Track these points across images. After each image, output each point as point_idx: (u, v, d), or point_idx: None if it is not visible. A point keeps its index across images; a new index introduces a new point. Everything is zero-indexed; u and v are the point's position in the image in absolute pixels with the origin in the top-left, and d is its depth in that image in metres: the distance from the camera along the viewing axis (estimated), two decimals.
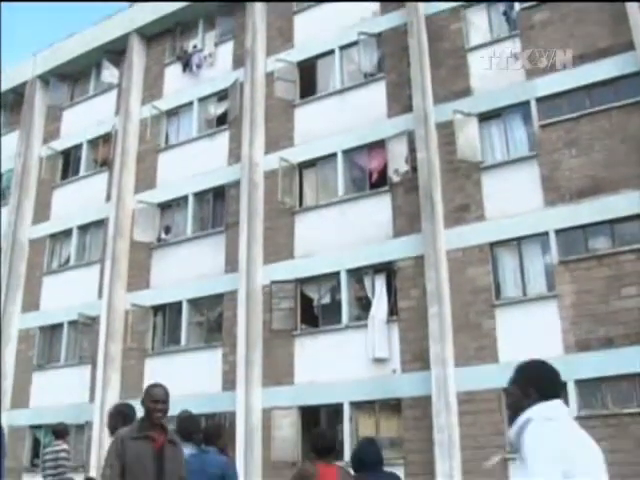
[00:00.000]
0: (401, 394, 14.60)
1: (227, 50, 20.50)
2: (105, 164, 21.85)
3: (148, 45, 22.51)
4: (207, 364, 17.28)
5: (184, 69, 21.13)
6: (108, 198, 21.02)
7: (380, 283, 15.65)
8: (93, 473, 16.24)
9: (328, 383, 15.40)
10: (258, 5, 19.77)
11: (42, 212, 22.94)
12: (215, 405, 16.46)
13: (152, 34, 22.33)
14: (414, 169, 15.64)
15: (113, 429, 5.90)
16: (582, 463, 2.66)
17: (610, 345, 12.64)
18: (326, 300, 16.63)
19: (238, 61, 19.87)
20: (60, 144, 23.44)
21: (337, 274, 16.21)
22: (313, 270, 16.50)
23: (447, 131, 15.53)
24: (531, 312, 13.62)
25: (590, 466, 2.69)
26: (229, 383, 16.70)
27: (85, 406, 18.78)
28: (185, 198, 19.54)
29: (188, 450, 5.50)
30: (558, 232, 13.76)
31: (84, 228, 21.66)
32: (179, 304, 18.51)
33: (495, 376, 13.05)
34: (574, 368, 12.56)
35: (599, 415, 12.29)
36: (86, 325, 19.77)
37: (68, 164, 23.26)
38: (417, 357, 14.58)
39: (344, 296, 16.00)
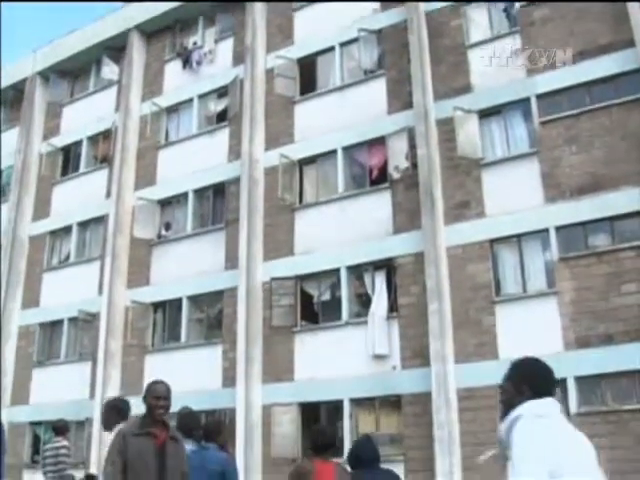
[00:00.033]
0: (401, 391, 14.62)
1: (227, 47, 20.48)
2: (105, 161, 21.84)
3: (148, 42, 22.49)
4: (207, 361, 17.29)
5: (184, 66, 21.11)
6: (108, 195, 21.02)
7: (380, 280, 15.65)
8: (93, 470, 16.24)
9: (328, 380, 15.42)
10: (258, 2, 19.75)
11: (42, 209, 22.94)
12: (215, 401, 16.47)
13: (152, 31, 22.30)
14: (414, 166, 15.64)
15: (107, 424, 5.92)
16: (571, 461, 2.64)
17: (610, 342, 12.65)
18: (326, 297, 16.64)
19: (238, 58, 19.85)
20: (60, 140, 23.43)
21: (337, 271, 16.21)
22: (313, 267, 16.50)
23: (447, 128, 15.53)
24: (531, 309, 13.63)
25: (580, 464, 2.66)
26: (229, 380, 16.72)
27: (85, 403, 18.80)
28: (185, 195, 19.54)
29: (188, 446, 5.50)
30: (558, 229, 13.76)
31: (84, 225, 21.66)
32: (179, 301, 18.52)
33: (495, 372, 12.88)
34: (574, 365, 12.59)
35: (599, 412, 12.30)
36: (86, 322, 19.78)
37: (68, 161, 23.24)
38: (417, 354, 14.59)
39: (344, 293, 16.01)
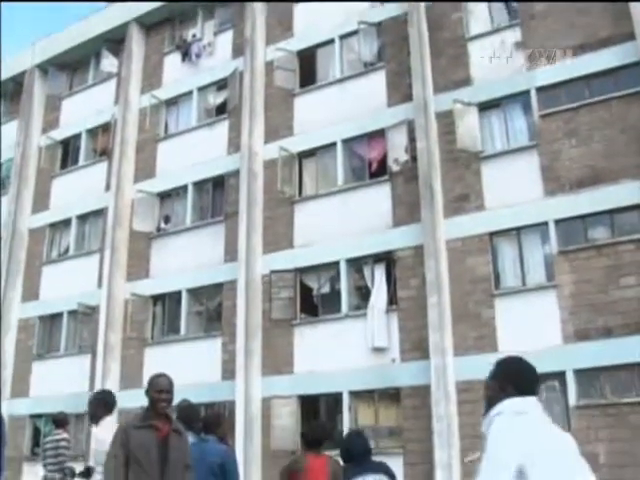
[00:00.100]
0: (400, 383, 14.64)
1: (226, 39, 20.43)
2: (104, 153, 21.82)
3: (147, 34, 22.43)
4: (207, 353, 17.31)
5: (183, 58, 21.07)
6: (107, 187, 21.00)
7: (380, 272, 15.66)
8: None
9: (327, 372, 15.44)
10: None
11: (41, 201, 22.93)
12: (215, 394, 16.49)
13: (151, 23, 22.24)
14: (414, 158, 15.63)
15: (94, 417, 5.91)
16: (545, 459, 2.67)
17: (609, 335, 12.66)
18: (325, 289, 16.66)
19: (237, 50, 19.81)
20: (59, 133, 23.40)
21: (337, 263, 16.21)
22: (312, 259, 16.51)
23: (447, 120, 15.51)
24: (530, 302, 13.64)
25: (554, 461, 2.69)
26: (228, 372, 16.74)
27: (85, 395, 18.68)
28: (184, 187, 19.52)
29: (188, 439, 5.51)
30: (558, 222, 13.77)
31: (83, 218, 21.66)
32: (178, 293, 18.53)
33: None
34: (573, 358, 12.61)
35: (598, 405, 12.31)
36: (86, 315, 19.80)
37: (67, 153, 23.23)
38: (416, 346, 14.60)
39: (343, 285, 16.01)
